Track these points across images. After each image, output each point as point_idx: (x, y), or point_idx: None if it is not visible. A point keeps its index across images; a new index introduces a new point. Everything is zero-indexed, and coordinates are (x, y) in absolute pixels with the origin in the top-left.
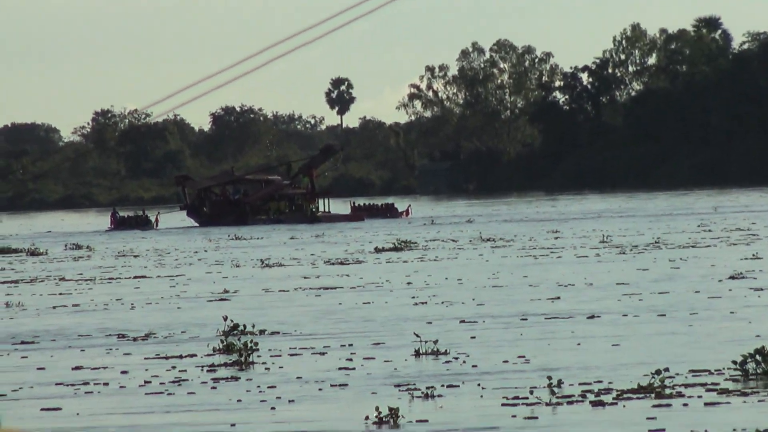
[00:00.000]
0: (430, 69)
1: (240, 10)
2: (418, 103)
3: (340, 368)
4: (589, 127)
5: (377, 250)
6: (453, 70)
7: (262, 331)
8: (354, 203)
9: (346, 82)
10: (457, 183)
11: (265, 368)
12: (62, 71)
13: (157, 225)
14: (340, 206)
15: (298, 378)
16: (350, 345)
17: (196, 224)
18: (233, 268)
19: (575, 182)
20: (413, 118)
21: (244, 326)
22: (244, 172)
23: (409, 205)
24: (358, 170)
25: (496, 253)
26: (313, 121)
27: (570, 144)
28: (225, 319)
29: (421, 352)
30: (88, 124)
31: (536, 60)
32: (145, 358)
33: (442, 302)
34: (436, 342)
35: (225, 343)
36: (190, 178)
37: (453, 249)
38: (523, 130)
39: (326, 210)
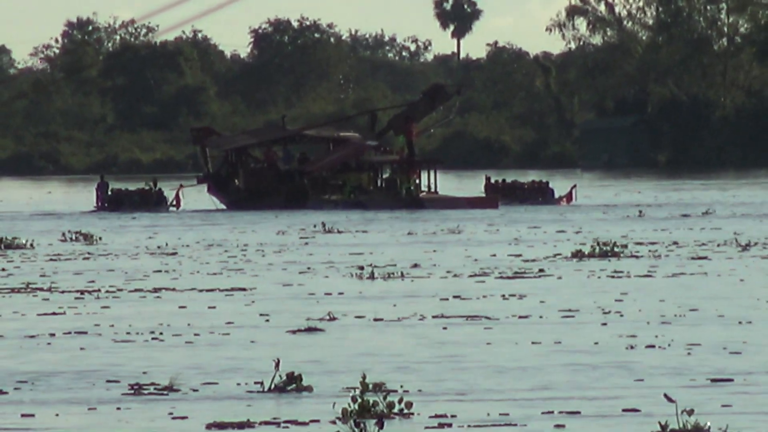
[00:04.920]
0: None
1: None
2: (581, 23)
3: None
4: None
5: (576, 256)
6: None
7: (378, 385)
8: (489, 179)
9: None
10: (641, 150)
11: None
12: None
13: (178, 205)
14: (451, 182)
15: None
16: (550, 412)
17: (223, 205)
18: (329, 279)
19: None
20: (573, 46)
21: (300, 376)
22: (302, 126)
23: (573, 186)
24: (483, 127)
25: (763, 267)
26: (413, 47)
27: None
28: (277, 364)
29: (668, 428)
30: (56, 41)
31: None
32: (205, 425)
33: (682, 348)
34: (691, 413)
35: (359, 401)
36: (215, 133)
37: (691, 258)
38: (748, 70)
39: (432, 188)
